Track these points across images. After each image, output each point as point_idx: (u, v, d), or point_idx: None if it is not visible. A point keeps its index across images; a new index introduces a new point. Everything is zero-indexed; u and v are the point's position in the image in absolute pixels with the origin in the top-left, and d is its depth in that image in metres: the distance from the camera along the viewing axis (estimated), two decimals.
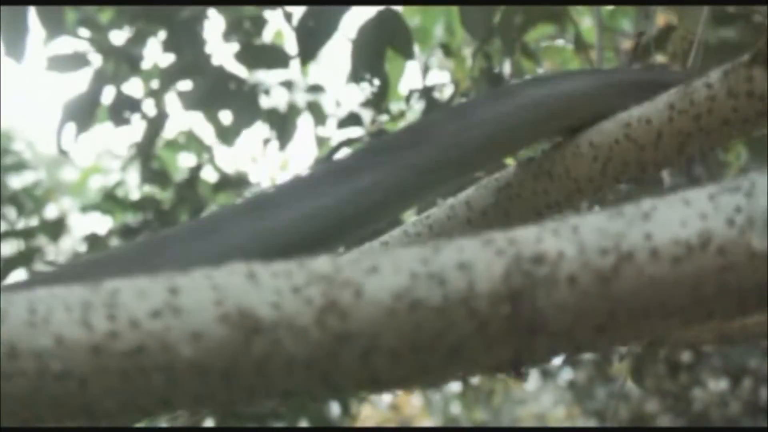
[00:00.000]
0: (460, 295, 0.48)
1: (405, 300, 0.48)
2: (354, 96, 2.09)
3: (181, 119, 2.98)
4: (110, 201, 2.97)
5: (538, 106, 0.80)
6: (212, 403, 0.48)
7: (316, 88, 2.74)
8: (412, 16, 2.76)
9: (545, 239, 0.50)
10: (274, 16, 2.22)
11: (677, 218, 0.51)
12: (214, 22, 2.34)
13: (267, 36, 2.51)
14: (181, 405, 0.47)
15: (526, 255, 0.49)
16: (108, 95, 2.30)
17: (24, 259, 2.83)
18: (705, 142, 0.74)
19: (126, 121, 2.24)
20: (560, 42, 2.49)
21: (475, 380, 5.39)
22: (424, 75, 2.20)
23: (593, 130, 0.79)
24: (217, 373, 0.47)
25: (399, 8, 2.71)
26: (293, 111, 2.59)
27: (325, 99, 2.77)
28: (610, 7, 2.58)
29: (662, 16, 2.17)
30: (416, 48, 2.65)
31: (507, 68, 2.21)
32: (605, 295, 0.49)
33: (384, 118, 2.28)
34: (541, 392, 6.26)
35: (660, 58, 2.06)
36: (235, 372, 0.47)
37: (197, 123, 2.84)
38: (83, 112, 2.16)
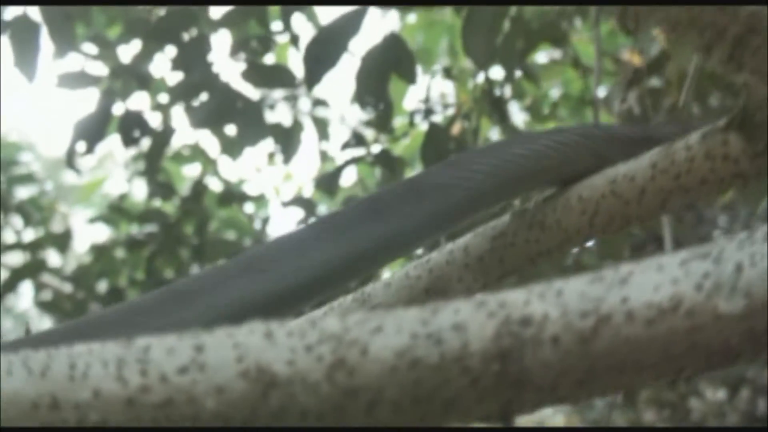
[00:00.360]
0: (455, 354, 0.53)
1: (406, 358, 0.53)
2: (358, 112, 2.14)
3: (187, 132, 3.03)
4: (116, 212, 3.01)
5: (521, 164, 0.86)
6: None
7: (320, 104, 2.78)
8: (415, 34, 2.81)
9: (532, 302, 0.55)
10: (281, 38, 2.27)
11: (651, 283, 0.56)
12: (221, 41, 2.39)
13: (278, 55, 2.56)
14: None
15: (515, 317, 0.54)
16: (117, 111, 2.35)
17: (30, 270, 2.88)
18: (685, 199, 0.80)
19: (135, 141, 2.29)
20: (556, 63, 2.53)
21: None
22: (427, 97, 2.25)
23: (582, 185, 0.85)
24: (238, 424, 0.52)
25: (402, 27, 2.77)
26: (298, 126, 2.63)
27: (330, 113, 2.81)
28: (609, 27, 2.63)
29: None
30: (419, 68, 2.71)
31: (508, 91, 2.27)
32: (585, 354, 0.55)
33: (387, 137, 2.33)
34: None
35: (655, 82, 2.12)
36: (254, 423, 0.52)
37: (203, 136, 2.88)
38: (93, 131, 2.21)
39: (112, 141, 2.67)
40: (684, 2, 0.67)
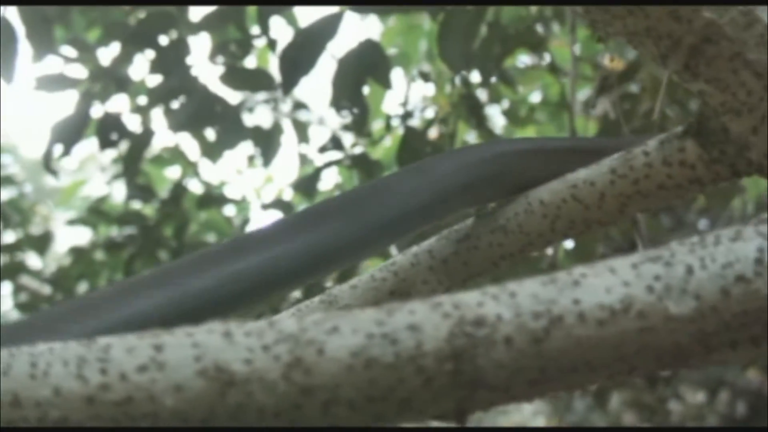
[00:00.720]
0: (410, 354, 0.55)
1: (361, 357, 0.54)
2: (339, 117, 2.15)
3: (167, 135, 3.03)
4: (95, 214, 3.01)
5: (478, 169, 0.87)
6: None
7: (300, 106, 2.79)
8: (393, 39, 2.82)
9: (486, 303, 0.56)
10: (259, 41, 2.28)
11: (603, 285, 0.58)
12: (200, 44, 2.39)
13: (252, 57, 2.57)
14: None
15: (469, 318, 0.56)
16: (95, 114, 2.35)
17: (9, 272, 2.89)
18: (644, 204, 0.82)
19: (113, 144, 2.30)
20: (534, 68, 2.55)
21: None
22: (405, 101, 2.26)
23: (544, 189, 0.87)
24: (197, 422, 0.53)
25: (379, 34, 2.78)
26: (277, 129, 2.64)
27: (310, 116, 2.82)
28: (587, 33, 2.64)
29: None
30: (401, 72, 2.72)
31: (485, 95, 2.28)
32: (538, 354, 0.56)
33: (365, 141, 2.34)
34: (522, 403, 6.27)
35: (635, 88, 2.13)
36: (212, 420, 0.53)
37: (183, 139, 2.88)
38: (71, 134, 2.21)
39: (95, 144, 2.67)
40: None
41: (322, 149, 2.28)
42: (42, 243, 3.02)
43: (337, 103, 1.91)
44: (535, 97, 2.82)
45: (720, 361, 0.60)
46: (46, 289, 3.04)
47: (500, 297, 0.57)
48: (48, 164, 2.24)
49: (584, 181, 0.84)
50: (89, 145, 2.46)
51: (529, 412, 6.34)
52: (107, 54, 2.43)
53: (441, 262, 0.91)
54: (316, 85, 2.92)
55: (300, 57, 1.78)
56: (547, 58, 2.33)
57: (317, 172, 2.31)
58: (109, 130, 2.29)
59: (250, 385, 0.53)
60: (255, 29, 2.31)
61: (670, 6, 0.68)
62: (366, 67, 1.87)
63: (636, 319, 0.57)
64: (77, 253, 2.99)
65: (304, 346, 0.54)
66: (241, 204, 3.18)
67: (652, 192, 0.81)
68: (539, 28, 2.29)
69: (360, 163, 2.26)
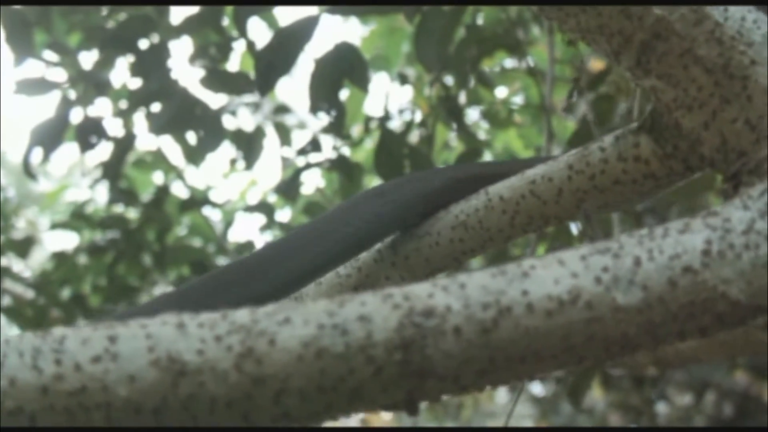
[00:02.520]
0: (360, 344, 0.56)
1: (312, 348, 0.55)
2: (319, 119, 2.15)
3: (150, 139, 3.04)
4: (78, 219, 3.01)
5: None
6: None
7: (282, 109, 2.79)
8: (375, 42, 2.83)
9: (436, 294, 0.57)
10: (239, 44, 2.28)
11: (552, 276, 0.59)
12: (180, 47, 2.40)
13: (234, 61, 2.57)
14: None
15: (418, 309, 0.57)
16: (75, 117, 2.35)
17: None
18: (600, 199, 0.83)
19: (92, 146, 2.29)
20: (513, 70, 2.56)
21: None
22: (386, 102, 2.27)
23: (503, 186, 0.88)
24: (149, 411, 0.54)
25: (358, 37, 2.79)
26: (260, 132, 2.64)
27: (293, 118, 2.82)
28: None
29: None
30: (378, 75, 2.73)
31: (463, 98, 2.29)
32: (486, 344, 0.57)
33: (344, 143, 2.35)
34: (510, 406, 6.27)
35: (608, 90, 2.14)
36: (165, 410, 0.54)
37: (166, 143, 2.88)
38: (50, 137, 2.21)
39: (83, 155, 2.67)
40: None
41: (302, 151, 2.29)
42: (24, 247, 3.01)
43: (315, 105, 1.92)
44: (517, 100, 2.83)
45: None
46: (29, 294, 3.03)
47: (450, 288, 0.58)
48: (27, 168, 2.24)
49: (542, 176, 0.85)
50: (76, 150, 2.46)
51: (517, 414, 6.35)
52: (88, 58, 2.44)
53: (403, 258, 0.92)
54: (298, 88, 2.93)
55: (277, 58, 1.79)
56: (526, 61, 2.34)
57: (297, 174, 2.31)
58: (89, 132, 2.29)
59: (202, 375, 0.54)
60: (235, 32, 2.31)
61: (621, 4, 0.69)
62: (343, 69, 1.88)
63: (584, 310, 0.58)
64: (60, 257, 2.99)
65: (256, 336, 0.55)
66: (224, 208, 3.18)
67: (608, 187, 0.82)
68: (519, 32, 2.30)
69: (340, 166, 2.26)
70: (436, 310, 0.57)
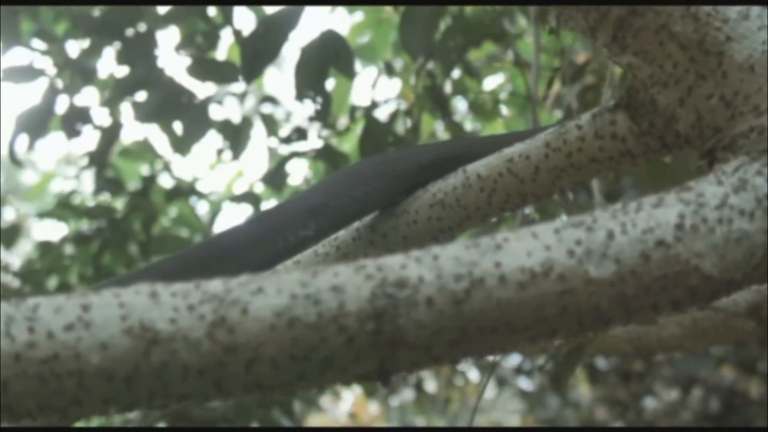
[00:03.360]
0: (332, 314, 0.56)
1: (284, 317, 0.56)
2: (304, 108, 2.15)
3: (137, 128, 3.03)
4: (64, 208, 3.01)
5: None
6: (119, 405, 0.55)
7: (269, 99, 2.79)
8: (361, 33, 2.83)
9: (409, 266, 0.58)
10: (226, 33, 2.28)
11: (525, 249, 0.59)
12: (167, 36, 2.40)
13: (222, 50, 2.57)
14: (91, 406, 0.55)
15: (391, 279, 0.57)
16: (62, 106, 2.35)
17: None
18: (576, 176, 0.83)
19: (77, 133, 2.29)
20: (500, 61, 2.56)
21: (431, 388, 5.46)
22: (371, 92, 2.27)
23: (481, 164, 0.88)
24: (122, 379, 0.54)
25: (345, 27, 2.79)
26: (246, 122, 2.64)
27: (279, 109, 2.82)
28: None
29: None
30: (364, 65, 2.73)
31: (449, 87, 2.29)
32: (458, 315, 0.57)
33: (329, 132, 2.35)
34: (497, 401, 6.31)
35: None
36: (137, 378, 0.54)
37: (152, 132, 2.88)
38: (36, 124, 2.21)
39: (72, 146, 2.68)
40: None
41: (287, 140, 2.29)
42: (10, 236, 3.01)
43: (300, 93, 1.92)
44: (505, 91, 2.83)
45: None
46: (15, 283, 3.03)
47: (423, 259, 0.58)
48: (13, 155, 2.24)
49: (519, 155, 0.86)
50: (63, 142, 2.46)
51: (504, 409, 6.36)
52: (75, 47, 2.43)
53: (381, 237, 0.93)
54: (285, 80, 2.92)
55: (262, 46, 1.79)
56: (512, 51, 2.34)
57: (282, 162, 2.31)
58: (75, 120, 2.28)
59: (175, 344, 0.54)
60: (221, 21, 2.31)
61: None
62: (328, 57, 1.88)
63: (556, 282, 0.59)
64: (46, 247, 2.98)
65: (229, 305, 0.55)
66: (211, 198, 3.18)
67: (585, 165, 0.82)
68: (506, 23, 2.30)
69: (325, 155, 2.27)
70: (408, 280, 0.57)
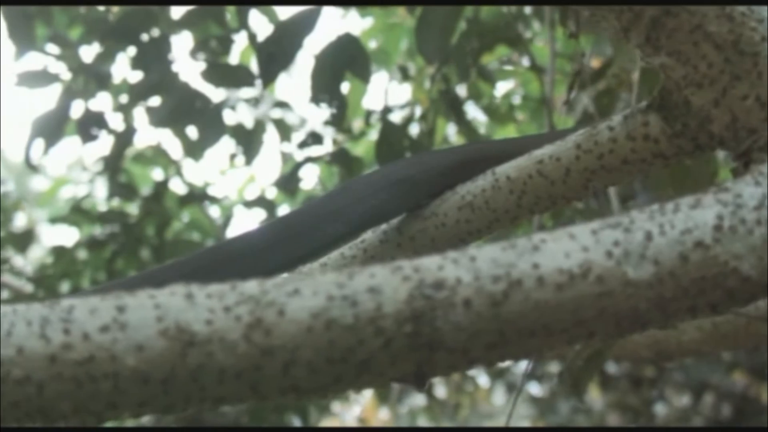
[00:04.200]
0: (369, 315, 0.55)
1: (321, 319, 0.55)
2: (318, 113, 2.16)
3: (150, 133, 3.03)
4: (77, 213, 3.01)
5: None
6: (154, 407, 0.55)
7: (281, 105, 2.79)
8: (374, 36, 2.82)
9: (446, 267, 0.57)
10: (240, 37, 2.28)
11: (562, 250, 0.58)
12: (181, 41, 2.39)
13: (235, 55, 2.57)
14: (127, 409, 0.54)
15: (429, 281, 0.56)
16: (76, 110, 2.35)
17: None
18: (608, 178, 0.83)
19: (93, 138, 2.29)
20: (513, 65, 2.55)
21: (441, 394, 5.45)
22: (385, 96, 2.27)
23: (510, 166, 0.87)
24: (157, 381, 0.54)
25: (359, 30, 2.78)
26: (259, 127, 2.64)
27: (292, 114, 2.82)
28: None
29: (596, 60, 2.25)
30: (376, 67, 2.72)
31: (464, 91, 2.28)
32: (496, 317, 0.57)
33: (345, 137, 2.35)
34: (508, 407, 6.29)
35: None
36: (173, 380, 0.54)
37: (165, 137, 2.88)
38: (51, 129, 2.21)
39: (84, 152, 2.67)
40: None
41: (302, 144, 2.29)
42: (23, 241, 3.01)
43: (315, 97, 1.91)
44: (517, 95, 2.82)
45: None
46: (28, 287, 3.03)
47: (460, 261, 0.57)
48: (29, 160, 2.24)
49: (550, 156, 0.85)
50: (76, 147, 2.46)
51: (515, 416, 6.34)
52: (89, 52, 2.43)
53: (408, 240, 0.92)
54: (298, 85, 2.91)
55: (278, 51, 1.79)
56: (527, 55, 2.34)
57: (296, 167, 2.31)
58: (90, 125, 2.28)
59: (211, 346, 0.54)
60: (236, 25, 2.30)
61: None
62: (344, 61, 1.88)
63: (594, 284, 0.58)
64: (59, 251, 2.98)
65: (265, 307, 0.55)
66: (223, 203, 3.18)
67: (617, 167, 0.81)
68: (520, 27, 2.29)
69: (340, 160, 2.26)
70: (446, 282, 0.56)
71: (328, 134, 2.33)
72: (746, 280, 0.60)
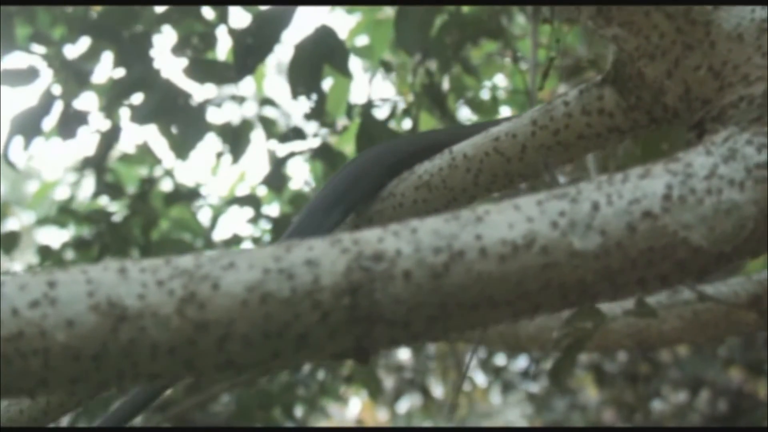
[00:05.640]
0: (306, 288, 0.54)
1: (257, 292, 0.54)
2: (300, 107, 2.14)
3: (136, 132, 3.02)
4: (64, 214, 2.99)
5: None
6: (86, 384, 0.54)
7: (268, 102, 2.78)
8: (359, 33, 2.81)
9: (386, 239, 0.56)
10: (223, 33, 2.27)
11: (506, 221, 0.57)
12: (163, 38, 2.38)
13: (220, 52, 2.55)
14: (58, 386, 0.53)
15: (367, 253, 0.55)
16: (58, 108, 2.33)
17: None
18: (564, 155, 0.81)
19: (73, 134, 2.28)
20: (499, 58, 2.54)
21: (438, 393, 5.45)
22: (369, 91, 2.26)
23: (467, 144, 0.86)
24: (89, 357, 0.53)
25: (344, 28, 2.77)
26: (246, 125, 2.62)
27: (278, 111, 2.81)
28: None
29: None
30: (362, 63, 2.71)
31: (447, 84, 2.27)
32: (437, 289, 0.55)
33: (327, 131, 2.33)
34: (505, 406, 6.30)
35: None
36: (105, 356, 0.53)
37: (151, 136, 2.87)
38: (30, 126, 2.19)
39: (79, 155, 2.65)
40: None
41: (284, 139, 2.27)
42: (9, 242, 2.99)
43: (294, 89, 1.90)
44: (503, 89, 2.81)
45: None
46: None
47: (401, 233, 0.56)
48: (7, 156, 2.22)
49: (506, 133, 0.84)
50: (70, 150, 2.45)
51: (513, 415, 6.35)
52: (72, 50, 2.42)
53: (366, 221, 0.91)
54: (284, 81, 2.90)
55: (255, 41, 1.77)
56: (511, 47, 2.32)
57: (280, 163, 2.30)
58: (72, 123, 2.27)
59: (143, 320, 0.53)
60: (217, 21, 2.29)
61: None
62: (323, 53, 1.86)
63: (539, 255, 0.57)
64: (45, 252, 2.96)
65: (199, 281, 0.54)
66: (210, 201, 3.16)
67: (573, 142, 0.80)
68: (503, 20, 2.28)
69: (323, 154, 2.25)
70: (385, 254, 0.55)
71: (311, 129, 2.32)
72: (697, 251, 0.59)
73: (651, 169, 0.60)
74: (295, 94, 1.89)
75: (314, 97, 1.89)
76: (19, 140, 2.20)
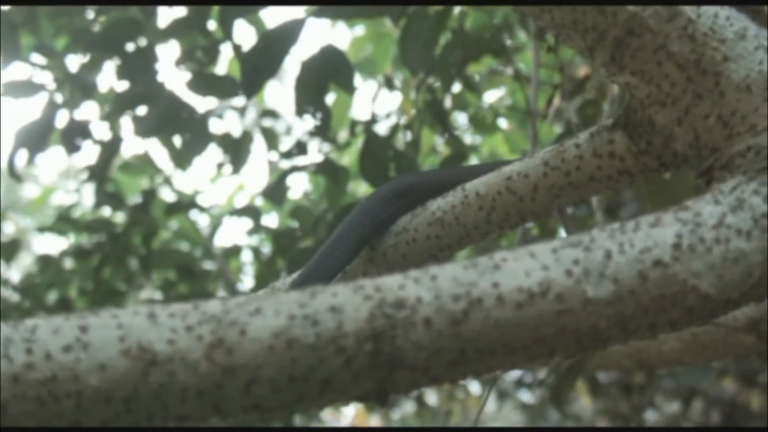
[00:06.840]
0: (331, 334, 0.56)
1: (283, 338, 0.56)
2: (304, 123, 2.15)
3: (138, 143, 3.03)
4: (64, 222, 3.00)
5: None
6: (117, 426, 0.55)
7: (269, 113, 2.80)
8: (362, 47, 2.83)
9: (407, 286, 0.58)
10: (226, 47, 2.28)
11: (523, 269, 0.59)
12: (167, 50, 2.40)
13: (222, 65, 2.57)
14: (90, 427, 0.55)
15: (389, 300, 0.57)
16: (61, 120, 2.34)
17: None
18: (575, 195, 0.83)
19: (77, 148, 2.29)
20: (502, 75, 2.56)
21: (432, 401, 5.46)
22: (372, 107, 2.27)
23: (480, 182, 0.88)
24: (120, 400, 0.54)
25: (346, 41, 2.79)
26: (247, 137, 2.64)
27: (279, 123, 2.82)
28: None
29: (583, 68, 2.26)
30: (365, 79, 2.73)
31: (449, 101, 2.29)
32: (457, 335, 0.57)
33: (330, 147, 2.35)
34: (498, 414, 6.32)
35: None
36: (136, 399, 0.54)
37: (153, 147, 2.88)
38: (36, 138, 2.21)
39: (74, 160, 2.66)
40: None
41: (287, 154, 2.29)
42: (10, 250, 3.00)
43: (301, 108, 1.91)
44: (503, 105, 2.83)
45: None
46: (14, 297, 3.03)
47: (421, 280, 0.58)
48: (12, 169, 2.24)
49: (518, 173, 0.86)
50: (65, 155, 2.45)
51: (505, 421, 6.36)
52: (75, 61, 2.43)
53: (380, 255, 0.93)
54: (286, 94, 2.91)
55: (262, 61, 1.79)
56: (512, 65, 2.34)
57: (282, 177, 2.31)
58: (75, 135, 2.28)
59: (173, 365, 0.54)
60: (221, 35, 2.30)
61: (595, 4, 0.69)
62: (328, 72, 1.88)
63: (554, 302, 0.59)
64: (45, 260, 2.98)
65: (227, 326, 0.55)
66: (211, 212, 3.18)
67: (583, 183, 0.82)
68: (505, 37, 2.30)
69: (325, 170, 2.26)
70: (407, 301, 0.57)
71: (314, 144, 2.33)
72: (705, 298, 0.61)
73: (661, 217, 0.62)
74: (301, 113, 1.91)
75: (319, 115, 1.90)
76: (23, 152, 2.22)
